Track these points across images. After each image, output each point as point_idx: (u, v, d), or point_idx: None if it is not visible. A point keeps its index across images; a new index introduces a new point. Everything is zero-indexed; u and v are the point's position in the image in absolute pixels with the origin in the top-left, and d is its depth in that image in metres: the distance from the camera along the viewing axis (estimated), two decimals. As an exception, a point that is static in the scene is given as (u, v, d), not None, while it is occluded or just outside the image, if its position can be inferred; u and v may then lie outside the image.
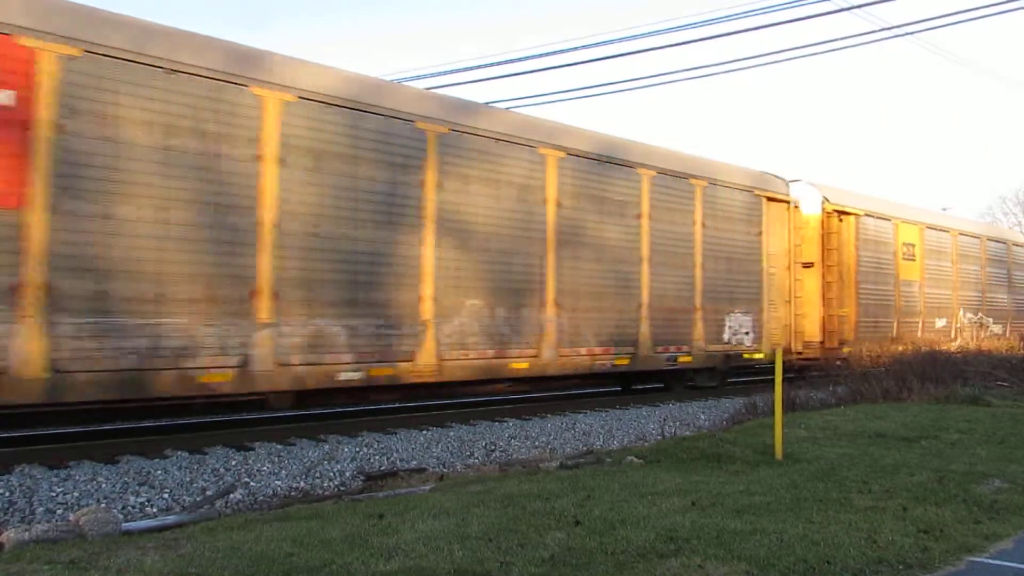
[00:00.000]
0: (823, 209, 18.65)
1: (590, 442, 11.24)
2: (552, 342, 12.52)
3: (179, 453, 8.89)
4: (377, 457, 9.48)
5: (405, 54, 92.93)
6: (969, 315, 24.10)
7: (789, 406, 12.09)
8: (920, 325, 21.71)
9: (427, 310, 10.89)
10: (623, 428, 12.18)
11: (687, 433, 11.43)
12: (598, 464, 8.27)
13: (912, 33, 18.27)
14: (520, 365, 12.07)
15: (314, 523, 5.66)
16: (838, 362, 18.56)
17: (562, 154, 12.89)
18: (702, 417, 13.51)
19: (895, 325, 20.66)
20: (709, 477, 7.45)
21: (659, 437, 11.34)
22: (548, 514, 5.83)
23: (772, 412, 8.89)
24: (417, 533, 5.29)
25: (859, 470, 7.71)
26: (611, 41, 26.84)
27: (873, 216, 20.24)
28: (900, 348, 19.00)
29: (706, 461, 8.22)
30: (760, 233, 16.55)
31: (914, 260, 21.72)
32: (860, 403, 13.42)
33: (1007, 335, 24.95)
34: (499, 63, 33.36)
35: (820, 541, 5.20)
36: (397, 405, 13.09)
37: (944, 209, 33.98)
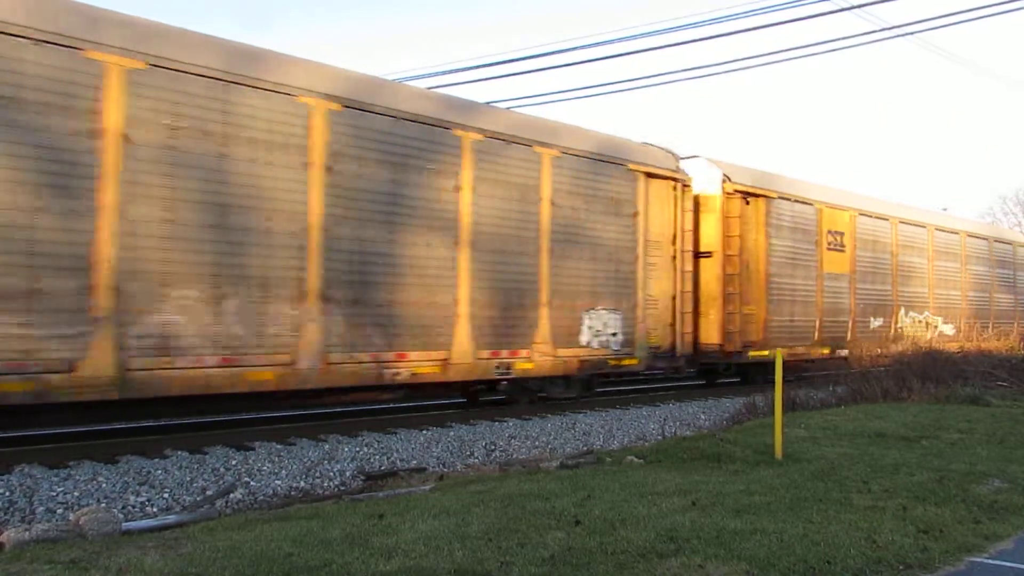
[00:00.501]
0: (723, 189, 15.85)
1: (590, 442, 11.25)
2: (315, 346, 9.71)
3: (179, 453, 8.89)
4: (377, 457, 9.48)
5: (405, 54, 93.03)
6: (913, 314, 21.43)
7: (789, 406, 12.10)
8: (850, 325, 19.03)
9: (102, 303, 8.14)
10: (623, 428, 12.19)
11: (687, 433, 11.44)
12: (598, 464, 8.28)
13: (912, 33, 18.24)
14: (262, 376, 9.32)
15: (314, 523, 5.66)
16: (735, 366, 16.49)
17: (335, 106, 9.99)
18: (702, 417, 13.52)
19: (817, 325, 18.01)
20: (709, 477, 7.46)
21: (659, 437, 11.35)
22: (548, 514, 5.83)
23: (772, 412, 8.90)
24: (417, 533, 5.29)
25: (859, 470, 7.71)
26: (611, 41, 26.90)
27: (789, 199, 17.45)
28: (822, 352, 17.62)
29: (706, 461, 8.23)
30: (635, 215, 13.85)
31: (843, 251, 18.91)
32: (860, 403, 13.44)
33: (959, 336, 22.49)
34: (498, 63, 33.44)
35: (820, 541, 5.20)
36: (397, 405, 13.08)
37: (944, 209, 33.30)
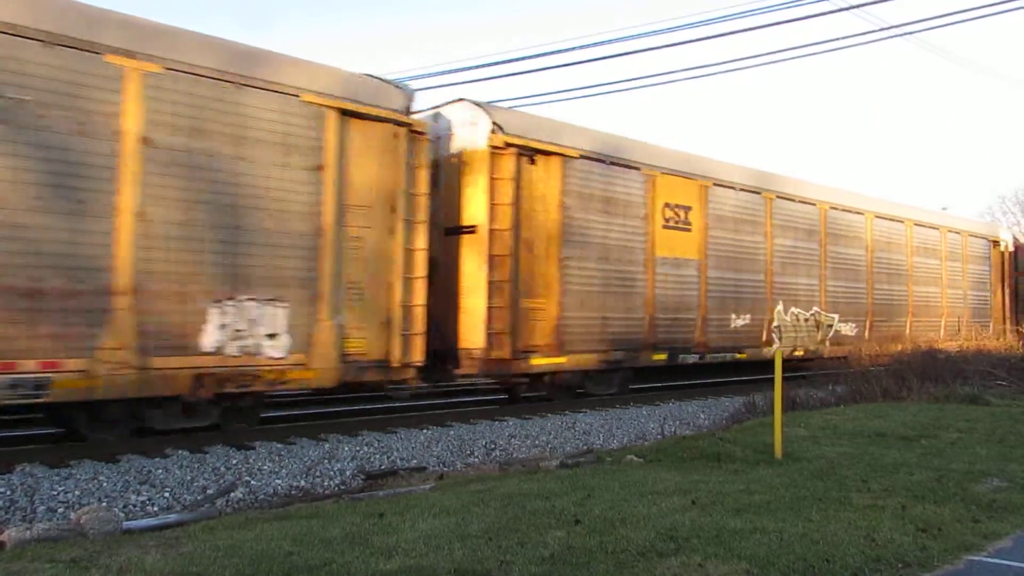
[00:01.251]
0: (491, 143, 12.07)
1: (590, 441, 11.26)
2: None
3: (180, 452, 8.90)
4: (377, 456, 9.50)
5: (405, 54, 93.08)
6: (797, 310, 17.66)
7: (789, 405, 12.11)
8: (698, 324, 15.19)
9: None
10: (623, 427, 12.19)
11: (687, 432, 11.46)
12: (598, 463, 8.29)
13: (911, 33, 18.12)
14: None
15: (314, 522, 5.67)
16: (514, 380, 12.94)
17: None
18: (702, 416, 13.53)
19: (646, 323, 14.19)
20: (709, 476, 7.47)
21: (659, 436, 11.37)
22: (548, 513, 5.84)
23: (772, 411, 8.91)
24: (417, 532, 5.30)
25: (858, 469, 7.72)
26: (610, 41, 26.85)
27: (601, 160, 13.58)
28: (654, 358, 14.31)
29: (706, 460, 8.24)
30: (321, 168, 9.98)
31: (689, 230, 15.07)
32: (860, 402, 13.45)
33: (866, 337, 19.22)
34: (498, 63, 33.47)
35: (820, 540, 5.21)
36: (397, 404, 13.10)
37: (944, 208, 31.93)
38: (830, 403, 13.65)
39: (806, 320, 17.92)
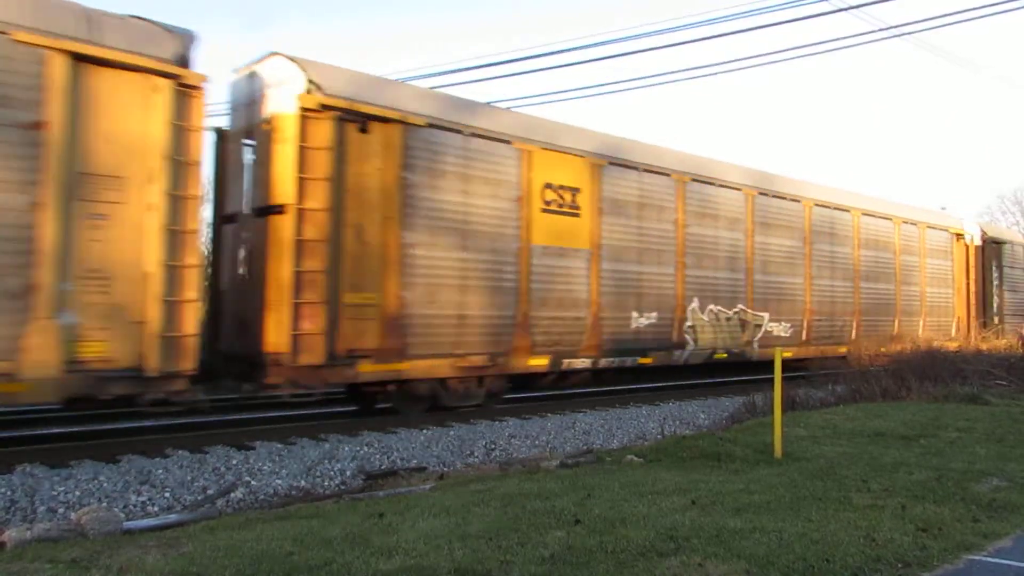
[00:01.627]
0: (302, 104, 10.10)
1: (590, 441, 11.27)
2: None
3: (180, 452, 8.91)
4: (377, 456, 9.50)
5: (405, 54, 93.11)
6: (716, 307, 15.65)
7: (788, 405, 12.12)
8: (589, 323, 13.25)
9: None
10: (623, 427, 12.20)
11: (687, 432, 11.46)
12: (598, 463, 8.29)
13: (910, 33, 18.18)
14: None
15: (315, 522, 5.67)
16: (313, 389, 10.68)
17: None
18: (702, 416, 13.54)
19: (519, 323, 12.27)
20: (709, 476, 7.47)
21: (659, 436, 11.37)
22: (548, 513, 5.84)
23: (771, 411, 8.92)
24: (417, 532, 5.30)
25: (858, 469, 7.73)
26: (610, 41, 26.91)
27: (455, 130, 11.58)
28: (531, 363, 12.25)
29: (706, 460, 8.24)
30: (39, 126, 7.96)
31: (577, 215, 13.12)
32: (859, 402, 13.46)
33: (804, 339, 17.64)
34: (498, 63, 33.51)
35: (819, 539, 5.21)
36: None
37: (942, 208, 31.32)
38: (830, 403, 13.65)
39: (728, 319, 15.97)
